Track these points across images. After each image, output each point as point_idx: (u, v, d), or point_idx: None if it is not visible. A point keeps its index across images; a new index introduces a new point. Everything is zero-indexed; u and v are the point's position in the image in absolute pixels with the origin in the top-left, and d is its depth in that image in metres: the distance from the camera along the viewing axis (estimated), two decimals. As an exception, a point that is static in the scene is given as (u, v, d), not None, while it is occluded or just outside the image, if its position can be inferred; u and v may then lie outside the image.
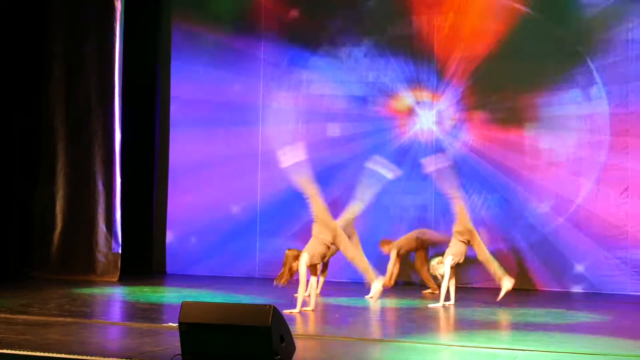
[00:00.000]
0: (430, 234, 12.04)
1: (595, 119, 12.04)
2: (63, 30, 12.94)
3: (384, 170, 11.02)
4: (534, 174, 12.25)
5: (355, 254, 9.84)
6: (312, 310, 9.44)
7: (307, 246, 9.50)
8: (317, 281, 9.93)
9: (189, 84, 13.68)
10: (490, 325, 9.00)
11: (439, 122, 12.65)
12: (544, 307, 10.28)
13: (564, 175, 12.10)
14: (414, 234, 11.97)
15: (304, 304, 9.44)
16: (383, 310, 10.16)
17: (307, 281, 9.64)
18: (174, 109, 13.75)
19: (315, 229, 9.64)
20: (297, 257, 9.33)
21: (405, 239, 11.90)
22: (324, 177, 12.99)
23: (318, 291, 10.18)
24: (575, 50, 12.06)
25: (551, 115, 12.21)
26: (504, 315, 9.72)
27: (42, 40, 13.00)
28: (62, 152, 12.94)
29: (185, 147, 13.69)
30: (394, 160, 12.69)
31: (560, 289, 11.97)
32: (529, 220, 12.22)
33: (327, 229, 9.60)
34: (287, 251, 9.46)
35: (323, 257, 9.66)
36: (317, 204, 9.75)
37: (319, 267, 9.95)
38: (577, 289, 11.89)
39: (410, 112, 12.78)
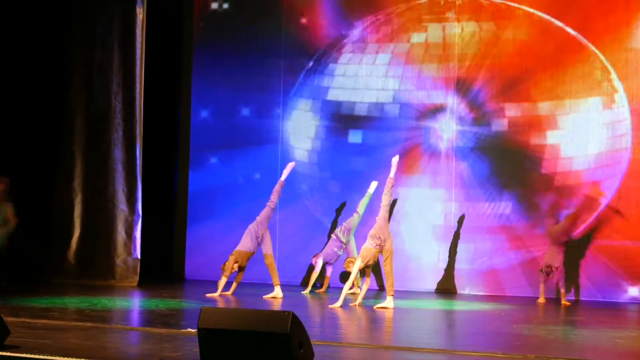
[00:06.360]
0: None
1: (617, 126, 11.96)
2: (84, 37, 12.98)
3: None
4: (555, 179, 12.18)
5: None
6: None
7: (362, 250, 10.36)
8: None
9: (210, 95, 13.76)
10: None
11: (460, 129, 12.60)
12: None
13: (586, 181, 12.03)
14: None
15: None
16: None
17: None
18: (195, 116, 13.81)
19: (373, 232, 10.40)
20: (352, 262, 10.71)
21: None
22: (346, 183, 13.03)
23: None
24: (597, 58, 12.00)
25: (573, 122, 12.14)
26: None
27: (62, 47, 13.04)
28: (81, 158, 12.95)
29: (206, 153, 13.73)
30: (415, 166, 12.70)
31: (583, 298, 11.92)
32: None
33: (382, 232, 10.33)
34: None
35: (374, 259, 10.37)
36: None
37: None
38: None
39: (432, 118, 12.74)
